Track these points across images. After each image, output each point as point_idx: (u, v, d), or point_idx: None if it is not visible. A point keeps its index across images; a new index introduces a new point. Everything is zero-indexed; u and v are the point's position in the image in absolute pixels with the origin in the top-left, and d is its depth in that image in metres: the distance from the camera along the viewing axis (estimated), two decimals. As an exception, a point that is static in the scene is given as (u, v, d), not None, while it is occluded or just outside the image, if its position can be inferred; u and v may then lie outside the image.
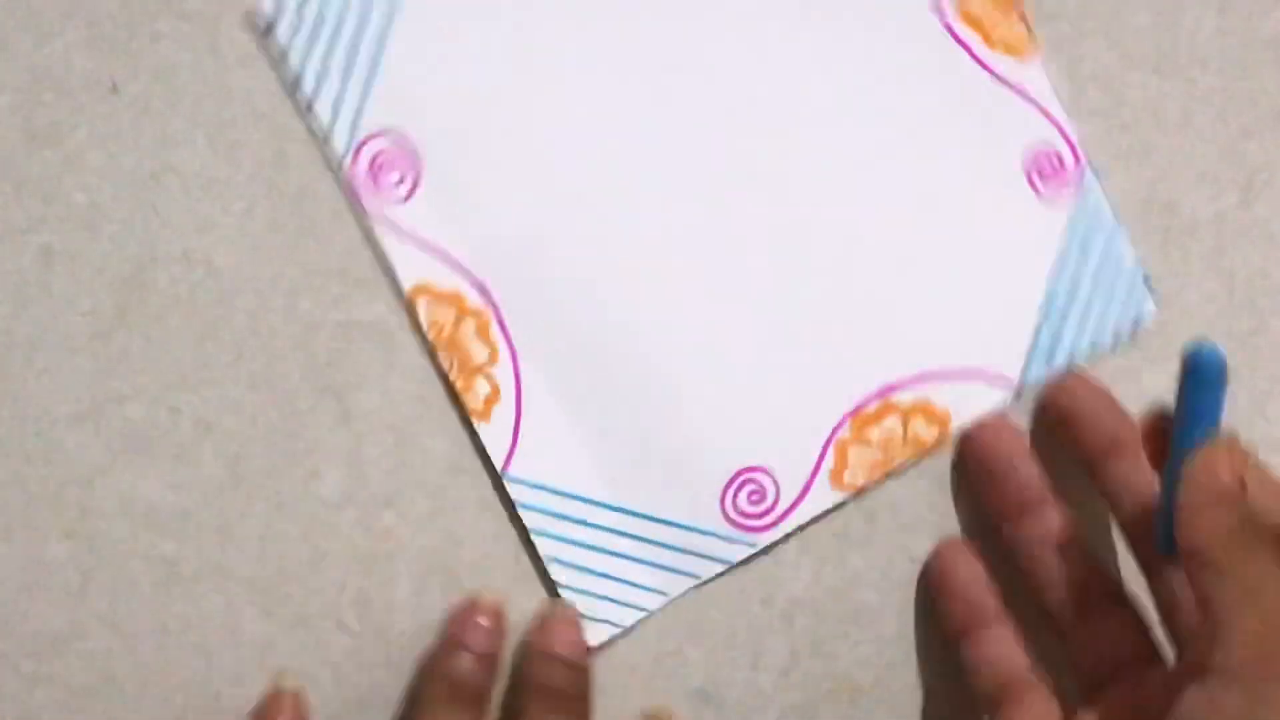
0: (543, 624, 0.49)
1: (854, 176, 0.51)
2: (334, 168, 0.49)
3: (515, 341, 0.50)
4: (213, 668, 0.49)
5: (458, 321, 0.50)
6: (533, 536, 0.50)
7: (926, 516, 0.52)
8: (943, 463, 0.52)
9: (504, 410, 0.50)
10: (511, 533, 0.50)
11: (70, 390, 0.48)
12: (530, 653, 0.49)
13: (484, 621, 0.49)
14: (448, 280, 0.50)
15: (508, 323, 0.50)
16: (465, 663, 0.48)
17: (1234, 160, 0.53)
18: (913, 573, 0.52)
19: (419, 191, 0.49)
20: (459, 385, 0.50)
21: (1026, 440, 0.51)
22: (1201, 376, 0.46)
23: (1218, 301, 0.54)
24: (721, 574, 0.51)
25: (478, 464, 0.50)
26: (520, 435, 0.50)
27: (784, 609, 0.51)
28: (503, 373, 0.50)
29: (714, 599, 0.51)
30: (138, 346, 0.48)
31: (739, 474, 0.51)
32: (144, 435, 0.48)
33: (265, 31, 0.48)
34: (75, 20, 0.48)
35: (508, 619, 0.49)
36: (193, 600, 0.48)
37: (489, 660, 0.48)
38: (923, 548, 0.52)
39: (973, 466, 0.51)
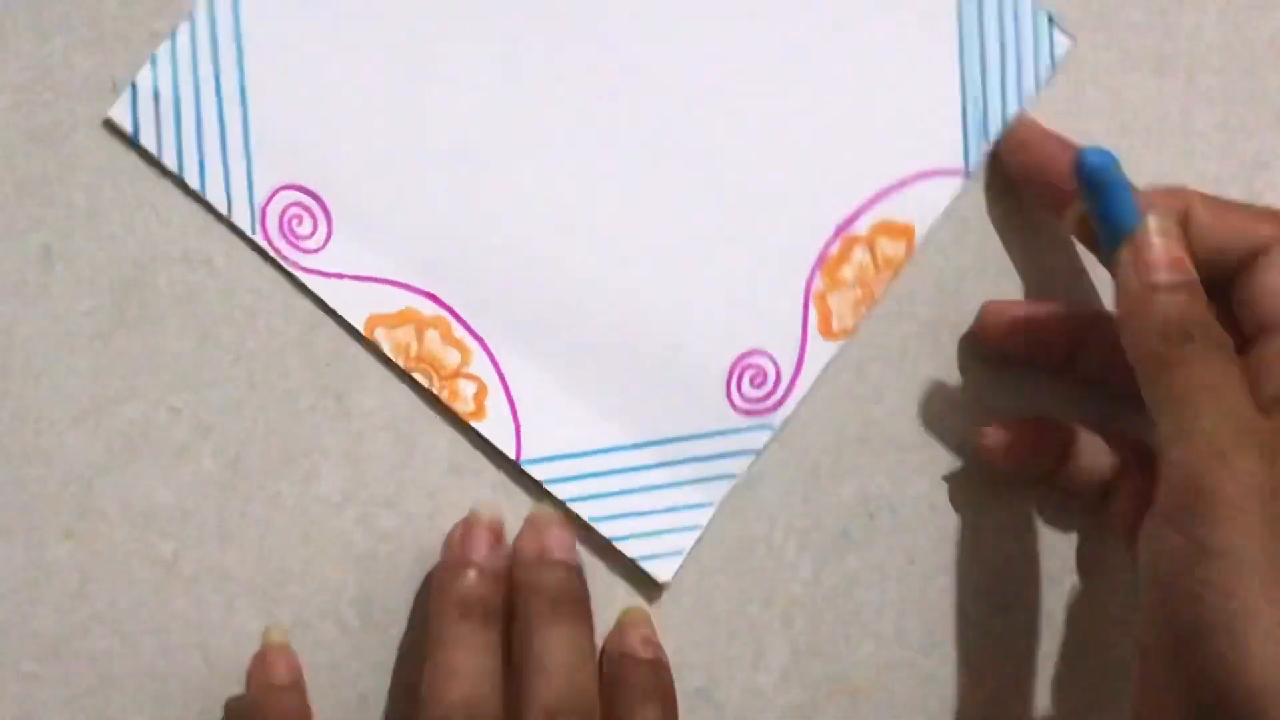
0: (532, 530, 0.49)
1: (742, 32, 0.51)
2: (248, 237, 0.49)
3: (481, 332, 0.50)
4: (212, 668, 0.49)
5: (420, 336, 0.50)
6: (569, 506, 0.50)
7: (927, 516, 0.52)
8: (942, 462, 0.52)
9: (496, 401, 0.50)
10: (512, 531, 0.50)
11: (70, 390, 0.48)
12: (524, 559, 0.49)
13: (485, 537, 0.48)
14: (395, 301, 0.50)
15: (467, 318, 0.50)
16: (471, 579, 0.48)
17: (1234, 161, 0.53)
18: (913, 573, 0.52)
19: (335, 231, 0.49)
20: (445, 395, 0.50)
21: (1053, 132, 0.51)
22: (1098, 181, 0.46)
23: (1218, 301, 0.54)
24: (753, 463, 0.51)
25: (477, 464, 0.50)
26: (520, 419, 0.50)
27: (784, 609, 0.51)
28: (481, 366, 0.50)
29: (714, 599, 0.51)
30: (137, 347, 0.48)
31: (734, 365, 0.51)
32: (144, 435, 0.48)
33: (133, 136, 0.48)
34: (75, 20, 0.48)
35: (505, 532, 0.49)
36: (192, 600, 0.48)
37: (494, 575, 0.48)
38: (923, 548, 0.52)
39: (1018, 172, 0.51)
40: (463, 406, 0.50)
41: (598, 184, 0.50)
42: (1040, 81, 0.52)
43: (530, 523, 0.49)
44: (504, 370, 0.50)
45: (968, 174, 0.52)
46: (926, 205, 0.52)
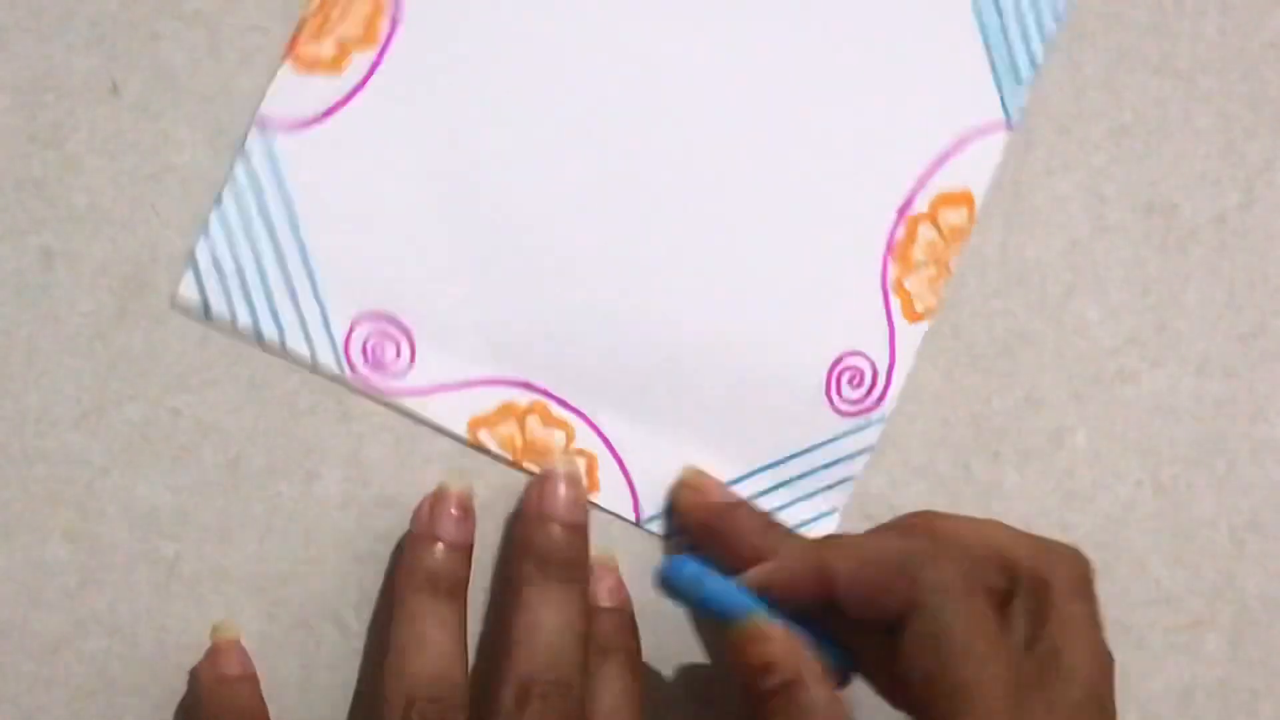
0: (540, 485, 0.49)
1: (761, 43, 0.51)
2: (340, 380, 0.49)
3: (579, 406, 0.50)
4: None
5: (521, 426, 0.50)
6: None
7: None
8: (941, 464, 0.52)
9: (607, 469, 0.51)
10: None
11: (71, 391, 0.48)
12: (525, 514, 0.49)
13: (454, 511, 0.48)
14: (490, 399, 0.50)
15: (563, 395, 0.50)
16: (439, 554, 0.48)
17: (1234, 162, 0.53)
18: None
19: (418, 347, 0.49)
20: None
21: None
22: (686, 584, 0.47)
23: (1218, 303, 0.54)
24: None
25: (477, 465, 0.50)
26: (634, 480, 0.51)
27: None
28: (586, 438, 0.50)
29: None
30: (138, 347, 0.48)
31: (830, 372, 0.51)
32: (144, 436, 0.48)
33: (203, 313, 0.48)
34: (76, 21, 0.48)
35: (474, 507, 0.49)
36: (193, 601, 0.48)
37: (462, 550, 0.48)
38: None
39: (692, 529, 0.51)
40: None
41: (659, 232, 0.50)
42: (1060, 14, 0.52)
43: (537, 478, 0.49)
44: (609, 436, 0.50)
45: (1010, 125, 0.52)
46: (978, 167, 0.52)
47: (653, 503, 0.51)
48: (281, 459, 0.49)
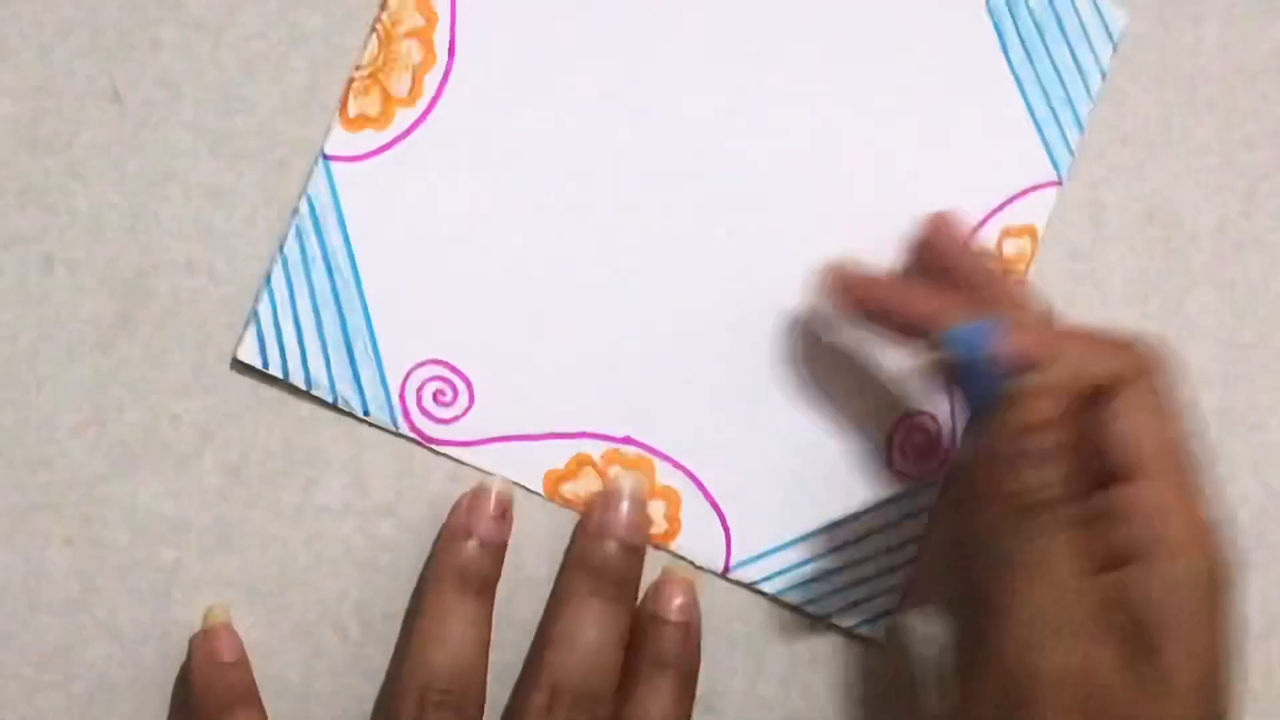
0: (603, 501, 0.49)
1: (797, 110, 0.51)
2: (396, 431, 0.49)
3: (664, 449, 0.50)
4: (213, 675, 0.49)
5: (602, 477, 0.50)
6: (782, 597, 0.51)
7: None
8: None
9: (694, 507, 0.50)
10: (513, 539, 0.50)
11: (72, 398, 0.48)
12: (584, 528, 0.49)
13: (492, 510, 0.48)
14: (561, 453, 0.50)
15: (649, 441, 0.50)
16: (471, 550, 0.48)
17: (1235, 171, 0.53)
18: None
19: (478, 397, 0.49)
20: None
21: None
22: (967, 361, 0.46)
23: (1218, 312, 0.54)
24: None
25: (479, 472, 0.50)
26: (728, 521, 0.50)
27: (784, 619, 0.51)
28: (676, 481, 0.50)
29: (714, 607, 0.51)
30: (139, 354, 0.48)
31: (899, 423, 0.51)
32: (145, 443, 0.48)
33: (264, 367, 0.48)
34: (78, 28, 0.48)
35: (512, 508, 0.49)
36: (193, 608, 0.48)
37: (495, 549, 0.48)
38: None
39: (849, 314, 0.50)
40: (656, 532, 0.50)
41: (726, 278, 0.50)
42: (1104, 67, 0.52)
43: (602, 494, 0.49)
44: (699, 476, 0.50)
45: (1062, 181, 0.52)
46: (1037, 209, 0.52)
47: (741, 551, 0.51)
48: (282, 466, 0.49)
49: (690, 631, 0.49)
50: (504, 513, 0.48)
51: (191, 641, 0.48)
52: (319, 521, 0.49)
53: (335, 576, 0.49)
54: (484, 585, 0.48)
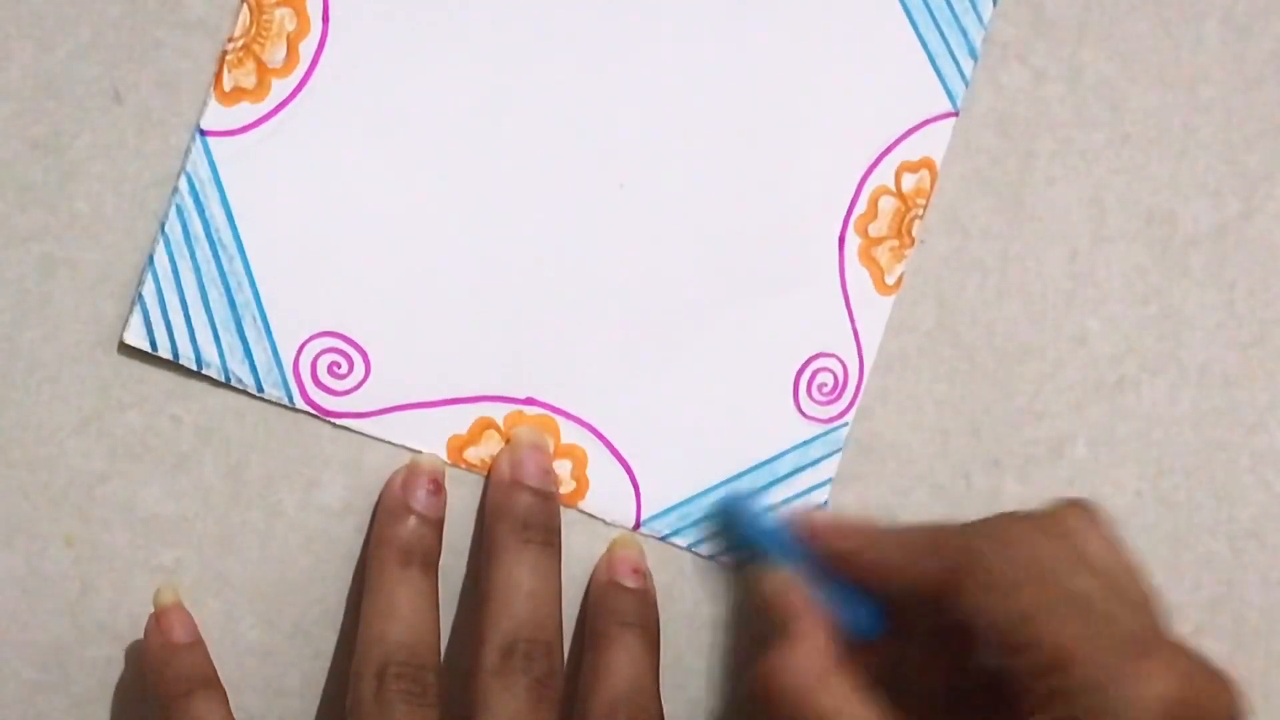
0: (509, 454, 0.49)
1: (710, 51, 0.51)
2: (293, 406, 0.49)
3: (568, 408, 0.50)
4: (213, 676, 0.49)
5: (506, 433, 0.50)
6: (695, 550, 0.51)
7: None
8: (941, 473, 0.52)
9: (600, 465, 0.50)
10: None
11: (71, 398, 0.48)
12: (496, 482, 0.49)
13: (427, 485, 0.48)
14: (462, 418, 0.50)
15: (552, 401, 0.50)
16: (412, 526, 0.48)
17: (1235, 172, 0.53)
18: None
19: (374, 367, 0.49)
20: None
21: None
22: (749, 515, 0.45)
23: (1219, 313, 0.54)
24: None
25: (475, 474, 0.50)
26: (636, 475, 0.50)
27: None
28: (581, 439, 0.50)
29: (715, 608, 0.51)
30: (139, 355, 0.48)
31: (799, 373, 0.51)
32: (145, 443, 0.48)
33: (152, 349, 0.48)
34: (78, 28, 0.48)
35: (445, 483, 0.49)
36: (193, 608, 0.48)
37: (434, 523, 0.48)
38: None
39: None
40: (564, 490, 0.50)
41: (620, 233, 0.50)
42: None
43: (507, 446, 0.50)
44: (604, 434, 0.50)
45: (958, 112, 0.52)
46: (934, 141, 0.52)
47: (656, 501, 0.51)
48: (282, 466, 0.49)
49: (648, 596, 0.50)
50: (438, 488, 0.49)
51: (146, 629, 0.47)
52: (319, 522, 0.49)
53: (335, 577, 0.49)
54: (426, 559, 0.48)
